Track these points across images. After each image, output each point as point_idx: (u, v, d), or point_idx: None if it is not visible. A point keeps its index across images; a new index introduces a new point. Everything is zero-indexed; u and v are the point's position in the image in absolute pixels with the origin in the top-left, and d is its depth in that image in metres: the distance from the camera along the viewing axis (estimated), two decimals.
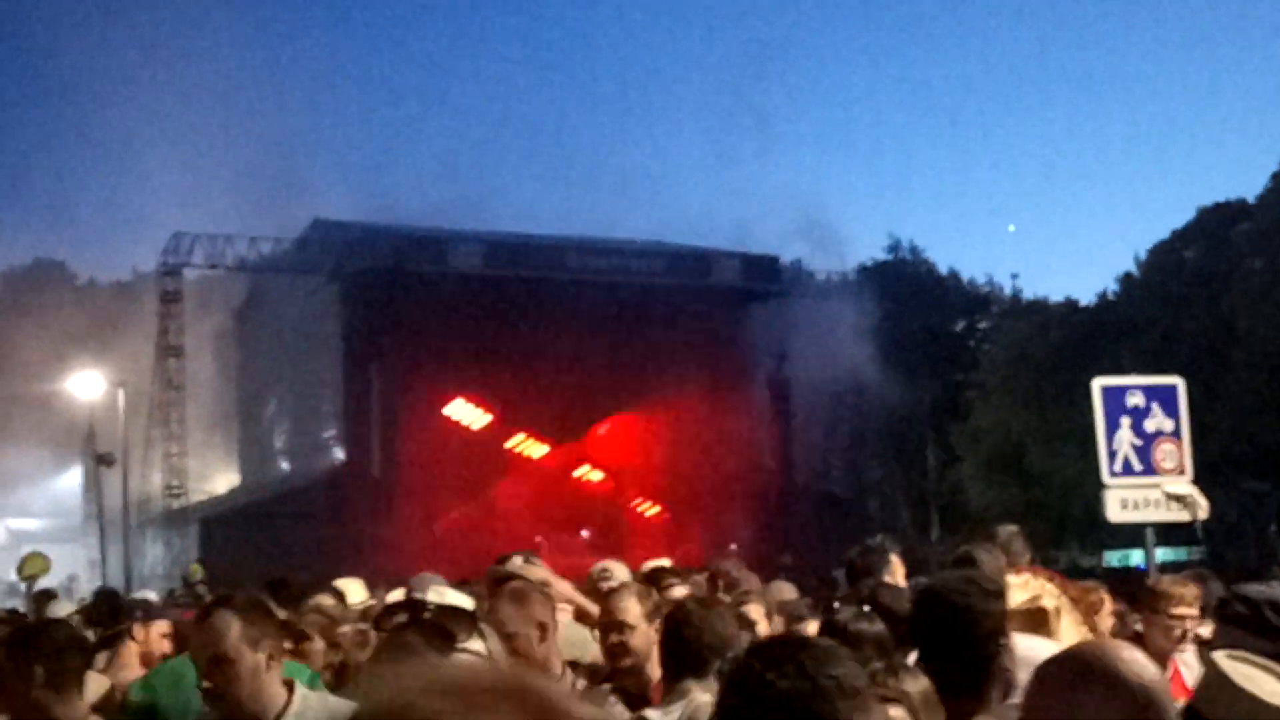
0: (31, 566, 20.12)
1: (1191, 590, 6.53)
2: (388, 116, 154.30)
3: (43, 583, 20.96)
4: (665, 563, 11.13)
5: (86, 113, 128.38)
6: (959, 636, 3.50)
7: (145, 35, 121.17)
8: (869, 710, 2.36)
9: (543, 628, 5.05)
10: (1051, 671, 2.63)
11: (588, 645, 6.14)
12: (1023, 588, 6.56)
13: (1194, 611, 6.44)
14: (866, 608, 5.35)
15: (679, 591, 6.96)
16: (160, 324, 53.19)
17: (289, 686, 4.38)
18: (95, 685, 5.74)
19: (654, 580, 7.54)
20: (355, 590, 8.53)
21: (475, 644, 4.64)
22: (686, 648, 4.08)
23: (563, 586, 6.51)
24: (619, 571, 7.83)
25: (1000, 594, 3.80)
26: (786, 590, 8.30)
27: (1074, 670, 2.57)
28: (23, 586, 20.43)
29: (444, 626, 4.53)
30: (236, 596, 4.87)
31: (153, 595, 12.06)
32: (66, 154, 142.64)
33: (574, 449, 56.04)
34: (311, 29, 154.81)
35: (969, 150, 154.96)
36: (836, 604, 8.30)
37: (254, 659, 4.21)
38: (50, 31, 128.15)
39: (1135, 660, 2.56)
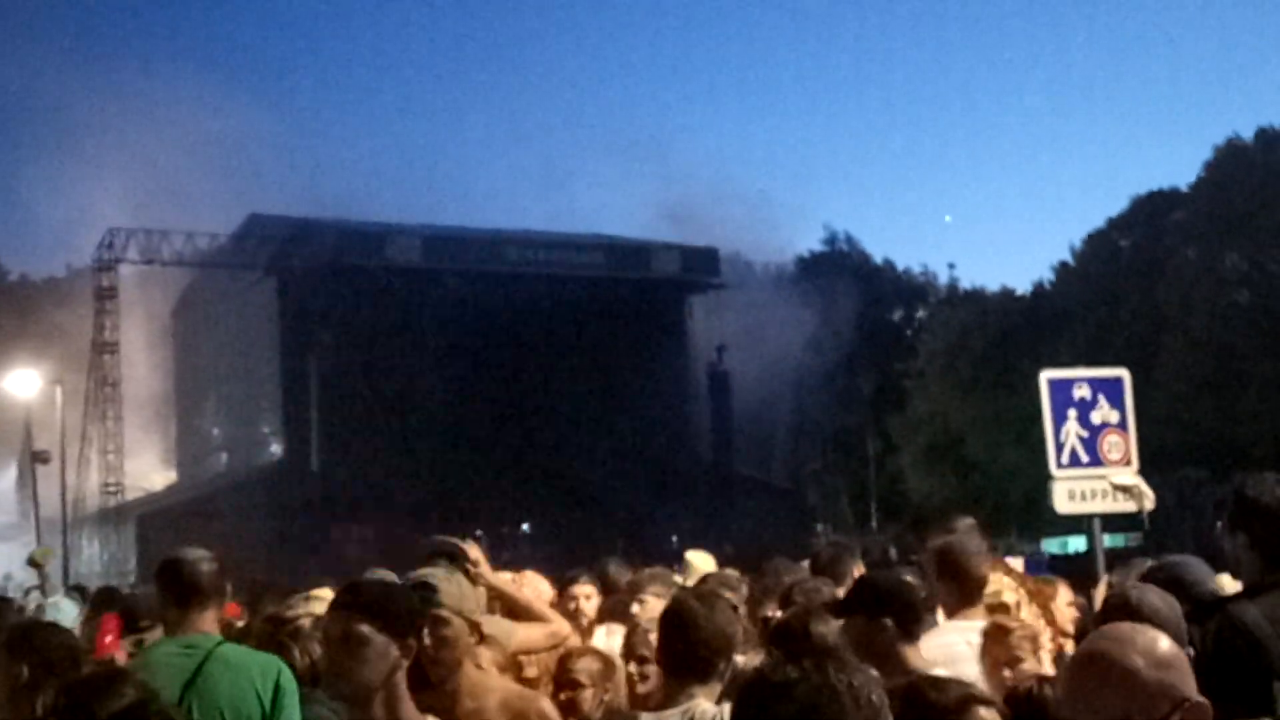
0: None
1: None
2: (324, 110, 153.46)
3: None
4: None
5: (19, 108, 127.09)
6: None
7: (81, 31, 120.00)
8: None
9: None
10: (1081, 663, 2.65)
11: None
12: None
13: None
14: None
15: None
16: (95, 320, 52.54)
17: None
18: None
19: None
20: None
21: None
22: (688, 648, 3.83)
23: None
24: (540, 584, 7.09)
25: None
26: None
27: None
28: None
29: None
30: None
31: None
32: None
33: (514, 442, 55.84)
34: (249, 25, 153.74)
35: (904, 141, 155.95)
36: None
37: None
38: None
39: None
